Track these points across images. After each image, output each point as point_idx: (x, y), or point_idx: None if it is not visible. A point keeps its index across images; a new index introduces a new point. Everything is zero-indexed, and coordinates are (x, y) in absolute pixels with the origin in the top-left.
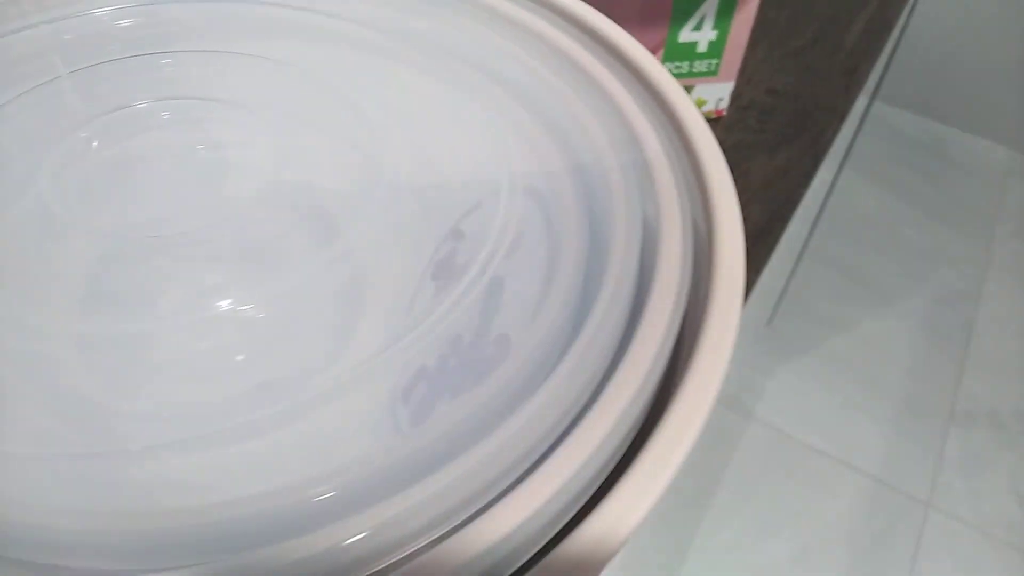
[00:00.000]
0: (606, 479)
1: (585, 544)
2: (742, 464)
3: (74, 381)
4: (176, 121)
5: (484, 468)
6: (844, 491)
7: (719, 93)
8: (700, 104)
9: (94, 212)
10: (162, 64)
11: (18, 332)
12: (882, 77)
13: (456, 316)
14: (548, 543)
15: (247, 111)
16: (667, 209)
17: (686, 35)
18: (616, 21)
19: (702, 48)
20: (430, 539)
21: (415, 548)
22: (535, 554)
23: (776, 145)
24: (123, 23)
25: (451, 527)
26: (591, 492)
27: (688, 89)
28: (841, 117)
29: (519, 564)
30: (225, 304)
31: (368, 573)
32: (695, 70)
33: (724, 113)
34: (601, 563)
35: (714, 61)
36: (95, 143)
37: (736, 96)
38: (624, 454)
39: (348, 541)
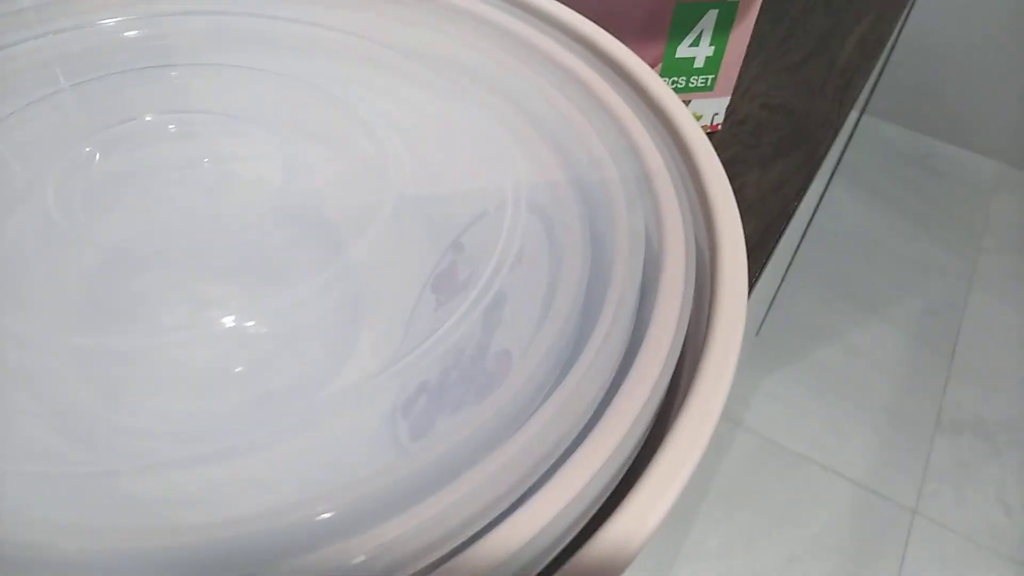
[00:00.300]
0: (610, 497)
1: (590, 564)
2: (730, 472)
3: (74, 395)
4: (182, 134)
5: (485, 489)
6: (831, 499)
7: (715, 108)
8: (696, 118)
9: (96, 225)
10: (169, 77)
11: (18, 345)
12: (872, 91)
13: (459, 331)
14: (553, 562)
15: (252, 124)
16: (669, 224)
17: (683, 51)
18: (615, 36)
19: (699, 63)
20: (430, 560)
21: (416, 569)
22: (544, 570)
23: (770, 160)
24: (129, 35)
25: (451, 548)
26: (593, 512)
27: (685, 104)
28: (835, 132)
29: None
30: (227, 319)
31: None
32: (692, 85)
33: (719, 128)
34: None
35: (710, 76)
36: (98, 156)
37: (731, 111)
38: (627, 473)
39: (350, 562)
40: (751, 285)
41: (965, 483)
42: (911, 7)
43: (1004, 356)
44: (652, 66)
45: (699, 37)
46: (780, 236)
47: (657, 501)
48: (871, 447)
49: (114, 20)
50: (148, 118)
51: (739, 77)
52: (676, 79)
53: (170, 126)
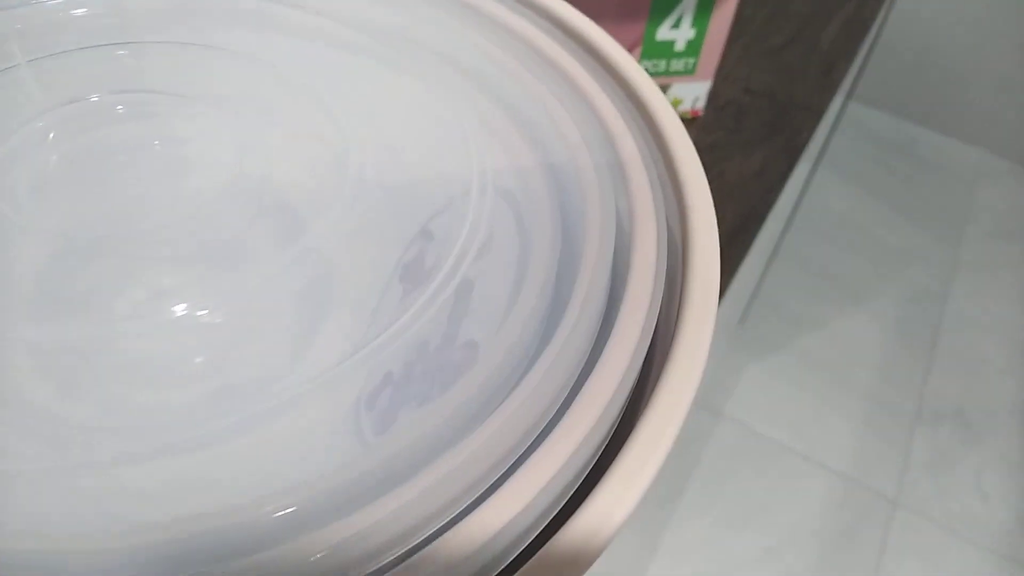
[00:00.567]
0: (579, 489)
1: (557, 557)
2: (712, 461)
3: (25, 390)
4: (131, 115)
5: (449, 483)
6: (812, 488)
7: (696, 92)
8: (676, 103)
9: (43, 212)
10: (118, 56)
11: None
12: (856, 77)
13: (424, 321)
14: (520, 556)
15: (206, 105)
16: (641, 212)
17: (664, 33)
18: (593, 17)
19: (680, 47)
20: (394, 556)
21: (378, 565)
22: (516, 558)
23: (752, 145)
24: (78, 12)
25: (415, 543)
26: (561, 505)
27: (665, 88)
28: (817, 117)
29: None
30: (184, 308)
31: None
32: (672, 69)
33: (701, 113)
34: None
35: (691, 60)
36: (43, 140)
37: (713, 95)
38: (596, 465)
39: (309, 559)
40: (731, 272)
41: (945, 473)
42: None
43: (985, 345)
44: (631, 49)
45: (680, 19)
46: (761, 223)
47: (624, 495)
48: (852, 437)
49: None
50: (95, 99)
51: (721, 60)
52: (656, 62)
53: (118, 107)
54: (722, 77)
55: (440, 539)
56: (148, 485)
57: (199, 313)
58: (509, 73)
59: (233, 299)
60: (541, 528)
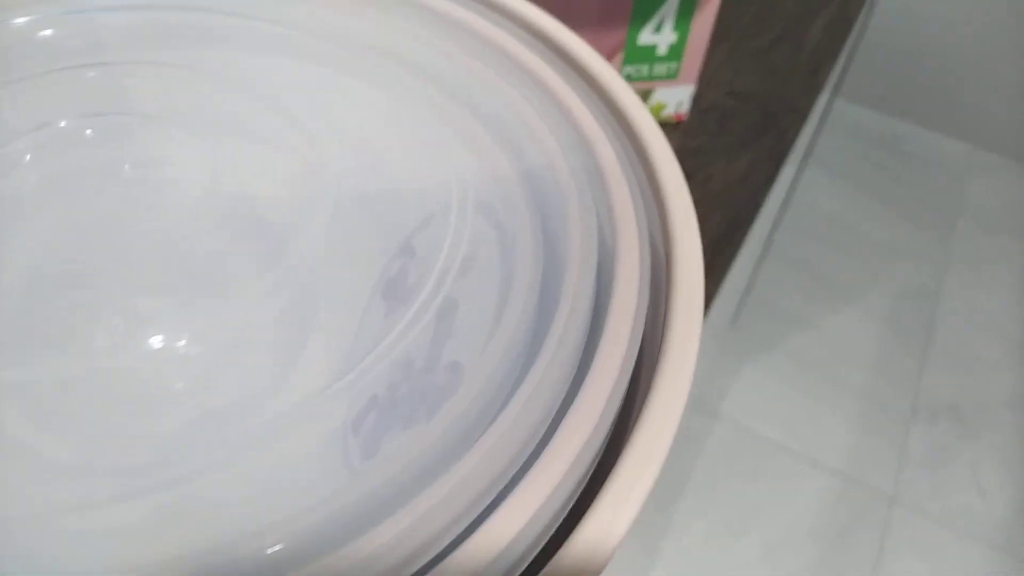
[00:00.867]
0: (571, 512)
1: None
2: (708, 463)
3: (5, 430)
4: (101, 139)
5: (440, 511)
6: (809, 487)
7: (679, 96)
8: (660, 108)
9: (12, 244)
10: (87, 78)
11: None
12: (842, 75)
13: (408, 341)
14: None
15: (175, 125)
16: (622, 221)
17: (646, 37)
18: (575, 23)
19: (662, 51)
20: None
21: None
22: None
23: (738, 149)
24: (44, 34)
25: (411, 573)
26: (554, 530)
27: (648, 92)
28: (803, 118)
29: None
30: (163, 338)
31: None
32: (655, 73)
33: (685, 117)
34: None
35: (674, 64)
36: (17, 165)
37: (697, 99)
38: (588, 484)
39: None
40: (721, 278)
41: (941, 469)
42: None
43: (979, 340)
44: (614, 54)
45: (661, 23)
46: (749, 227)
47: (619, 515)
48: (847, 434)
49: (25, 18)
50: (62, 124)
51: (704, 64)
52: (639, 67)
53: (87, 131)
54: (706, 81)
55: (434, 570)
56: (135, 522)
57: (179, 344)
58: (483, 81)
59: (214, 326)
60: (537, 552)
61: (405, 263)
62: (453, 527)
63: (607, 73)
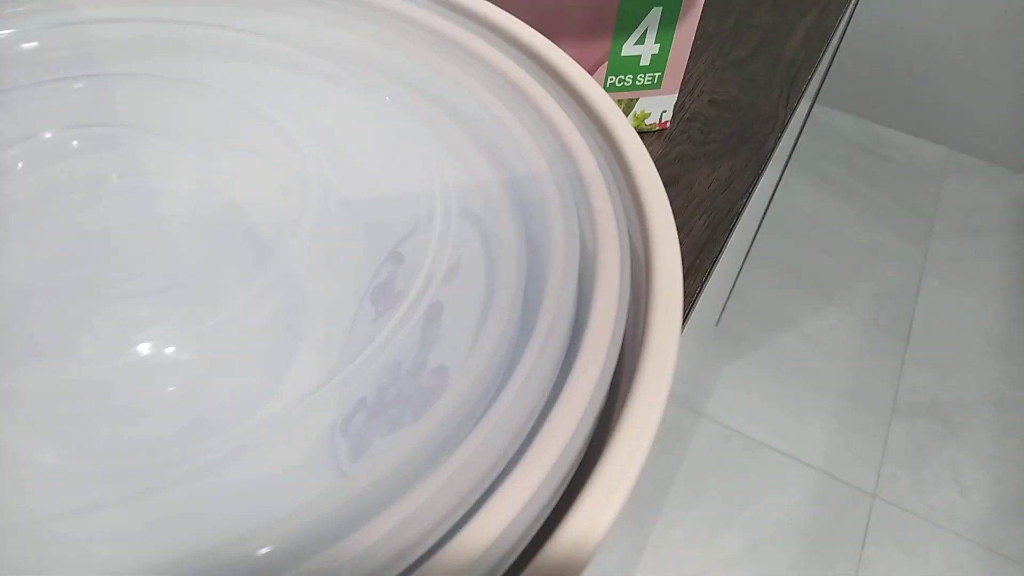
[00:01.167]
0: (553, 512)
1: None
2: (694, 461)
3: None
4: (87, 150)
5: (425, 513)
6: (793, 485)
7: (663, 105)
8: (644, 116)
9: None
10: (73, 89)
11: None
12: (823, 81)
13: (396, 344)
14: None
15: (160, 136)
16: (603, 227)
17: (629, 49)
18: (562, 35)
19: (645, 61)
20: None
21: None
22: None
23: (719, 156)
24: (27, 46)
25: (398, 572)
26: (536, 530)
27: (632, 101)
28: (782, 127)
29: None
30: (153, 345)
31: None
32: (639, 83)
33: (668, 125)
34: None
35: (657, 74)
36: (4, 176)
37: (679, 107)
38: (572, 482)
39: None
40: (703, 282)
41: (922, 466)
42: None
43: (958, 338)
44: (599, 65)
45: (644, 35)
46: (729, 233)
47: (602, 512)
48: (830, 432)
49: (10, 30)
50: (48, 135)
51: (686, 73)
52: (623, 77)
53: (73, 142)
54: (688, 90)
55: (419, 570)
56: (126, 528)
57: (168, 350)
58: (466, 91)
59: (203, 333)
60: (521, 550)
61: (393, 269)
62: (439, 527)
63: (587, 84)
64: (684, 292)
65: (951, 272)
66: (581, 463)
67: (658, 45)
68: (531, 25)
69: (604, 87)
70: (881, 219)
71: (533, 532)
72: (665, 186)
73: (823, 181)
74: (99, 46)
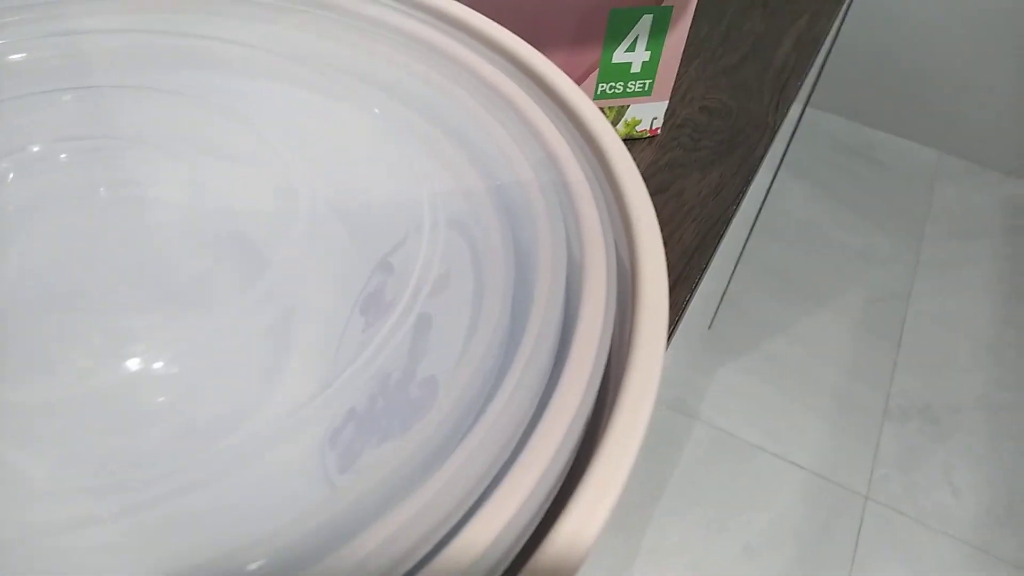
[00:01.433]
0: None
1: None
2: (688, 464)
3: None
4: (74, 163)
5: (415, 523)
6: (785, 488)
7: (653, 112)
8: (635, 123)
9: None
10: (62, 102)
11: None
12: (814, 85)
13: (385, 355)
14: None
15: (149, 147)
16: (589, 236)
17: (620, 56)
18: (551, 43)
19: (636, 68)
20: None
21: None
22: None
23: (709, 163)
24: (15, 57)
25: None
26: (525, 539)
27: (623, 108)
28: (772, 134)
29: None
30: (145, 358)
31: None
32: (630, 90)
33: (658, 132)
34: None
35: (648, 81)
36: None
37: (670, 114)
38: (560, 491)
39: None
40: (693, 289)
41: (914, 468)
42: (849, 4)
43: (949, 341)
44: (589, 72)
45: (635, 42)
46: (720, 239)
47: (591, 517)
48: (822, 435)
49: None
50: (35, 148)
51: (677, 80)
52: (614, 85)
53: (61, 155)
54: (679, 97)
55: None
56: (119, 541)
57: (160, 361)
58: (453, 101)
59: (195, 343)
60: (512, 558)
61: (383, 280)
62: (429, 539)
63: (573, 92)
64: (674, 299)
65: (942, 275)
66: (569, 473)
67: (649, 52)
68: (520, 33)
69: (595, 94)
70: (873, 222)
71: (523, 541)
72: (655, 193)
73: (815, 184)
74: (88, 57)
